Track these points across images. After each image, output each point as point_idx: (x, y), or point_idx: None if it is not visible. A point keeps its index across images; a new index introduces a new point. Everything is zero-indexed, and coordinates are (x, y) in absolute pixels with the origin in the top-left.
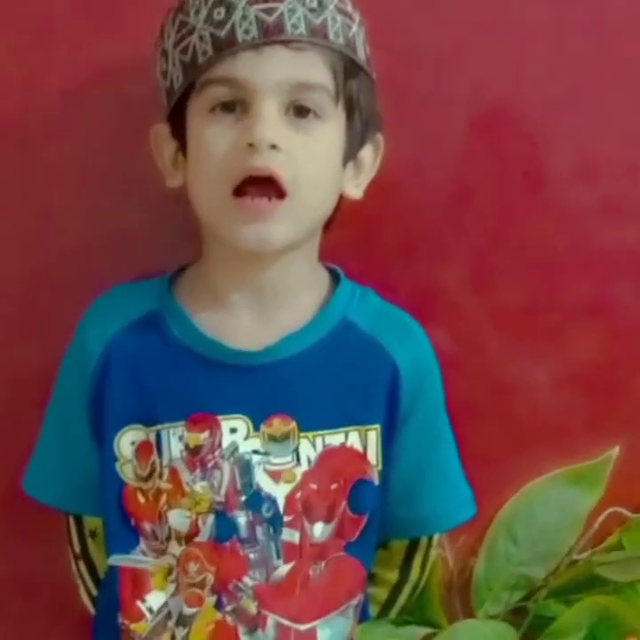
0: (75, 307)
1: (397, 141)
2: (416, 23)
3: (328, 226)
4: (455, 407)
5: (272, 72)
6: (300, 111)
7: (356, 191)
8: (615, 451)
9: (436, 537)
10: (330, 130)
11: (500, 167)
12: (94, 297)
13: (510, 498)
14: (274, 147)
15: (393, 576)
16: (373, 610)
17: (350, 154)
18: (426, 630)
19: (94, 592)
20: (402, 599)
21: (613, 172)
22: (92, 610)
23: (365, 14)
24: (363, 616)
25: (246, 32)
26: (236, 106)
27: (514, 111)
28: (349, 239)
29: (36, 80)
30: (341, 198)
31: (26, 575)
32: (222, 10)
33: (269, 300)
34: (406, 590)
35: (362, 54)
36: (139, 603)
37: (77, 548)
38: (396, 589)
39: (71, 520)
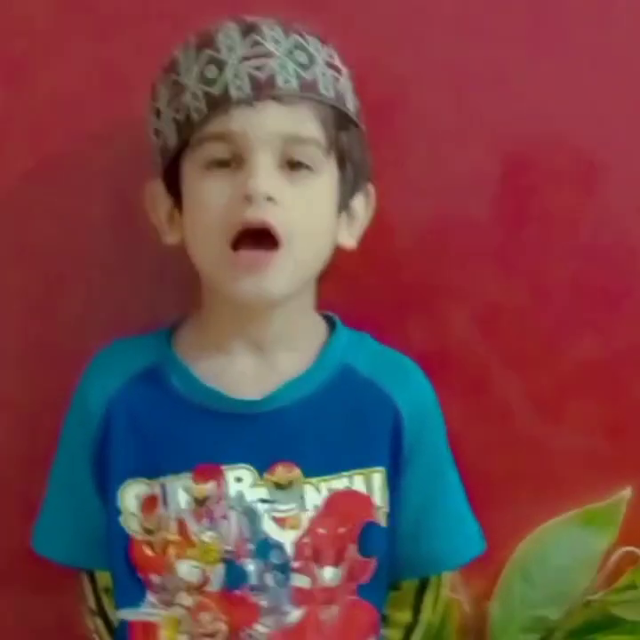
0: (77, 364)
1: (389, 186)
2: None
3: (324, 276)
4: (467, 451)
5: (265, 125)
6: (293, 165)
7: (349, 240)
8: (627, 491)
9: (446, 575)
10: (323, 182)
11: (498, 203)
12: (92, 354)
13: (524, 540)
14: (270, 199)
15: (405, 616)
16: None
17: (343, 204)
18: None
19: None
20: (415, 638)
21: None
22: None
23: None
24: None
25: (239, 89)
26: (231, 161)
27: (510, 145)
28: (344, 287)
29: (37, 135)
30: (336, 248)
31: (41, 630)
32: (214, 68)
33: (269, 349)
34: (419, 630)
35: (351, 106)
36: None
37: (93, 605)
38: (409, 630)
39: (85, 577)
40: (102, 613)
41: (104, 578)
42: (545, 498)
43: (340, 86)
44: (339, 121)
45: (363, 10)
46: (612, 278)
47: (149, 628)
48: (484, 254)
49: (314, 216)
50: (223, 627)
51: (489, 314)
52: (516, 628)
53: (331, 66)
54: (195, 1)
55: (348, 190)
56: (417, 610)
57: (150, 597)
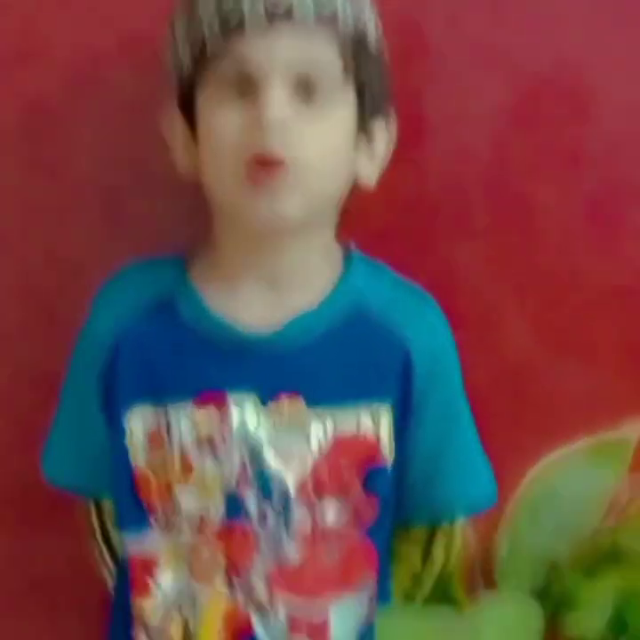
0: (86, 291)
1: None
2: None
3: (343, 214)
4: (474, 386)
5: (280, 51)
6: (309, 91)
7: (369, 175)
8: (638, 424)
9: (459, 525)
10: (339, 109)
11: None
12: (102, 279)
13: (530, 474)
14: (283, 125)
15: (416, 561)
16: (397, 594)
17: (361, 136)
18: (447, 610)
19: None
20: (426, 584)
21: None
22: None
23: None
24: (384, 600)
25: (254, 13)
26: (245, 88)
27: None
28: (364, 225)
29: (41, 64)
30: (355, 185)
31: (42, 564)
32: None
33: (283, 283)
34: (430, 575)
35: (372, 34)
36: (149, 579)
37: (98, 533)
38: (418, 577)
39: (91, 505)
40: (106, 538)
41: (108, 504)
42: (552, 430)
43: (361, 13)
44: (357, 48)
45: None
46: (616, 213)
47: (150, 558)
48: (495, 192)
49: (329, 142)
50: (222, 560)
51: (496, 248)
52: (524, 563)
53: None
54: None
55: (366, 121)
56: (428, 555)
57: (153, 527)
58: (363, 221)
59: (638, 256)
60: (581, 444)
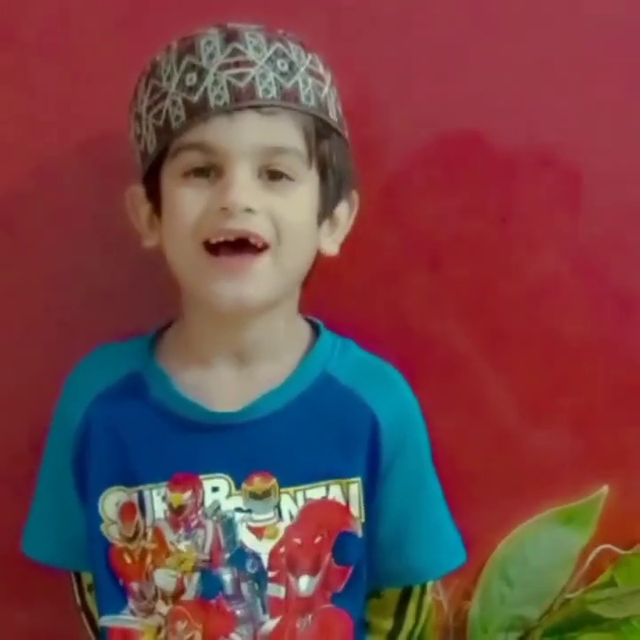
0: (59, 369)
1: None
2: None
3: (305, 282)
4: (446, 453)
5: (244, 137)
6: (273, 175)
7: (331, 247)
8: (604, 489)
9: (429, 584)
10: (303, 191)
11: (478, 211)
12: (78, 358)
13: (502, 540)
14: (248, 210)
15: (388, 624)
16: None
17: (325, 213)
18: None
19: None
20: None
21: (598, 206)
22: None
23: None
24: None
25: (218, 97)
26: (210, 170)
27: (487, 151)
28: (331, 289)
29: (15, 141)
30: (318, 254)
31: (32, 631)
32: (194, 75)
33: (250, 359)
34: (401, 638)
35: (334, 115)
36: None
37: (78, 601)
38: (391, 637)
39: (72, 575)
40: (86, 610)
41: (88, 576)
42: (523, 497)
43: (323, 95)
44: (320, 130)
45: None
46: (596, 273)
47: (128, 636)
48: (460, 249)
49: (293, 226)
50: (198, 635)
51: (469, 312)
52: (496, 627)
53: (313, 74)
54: (184, 9)
55: (330, 199)
56: (399, 618)
57: (131, 605)
58: (331, 286)
59: (618, 321)
60: (552, 509)
